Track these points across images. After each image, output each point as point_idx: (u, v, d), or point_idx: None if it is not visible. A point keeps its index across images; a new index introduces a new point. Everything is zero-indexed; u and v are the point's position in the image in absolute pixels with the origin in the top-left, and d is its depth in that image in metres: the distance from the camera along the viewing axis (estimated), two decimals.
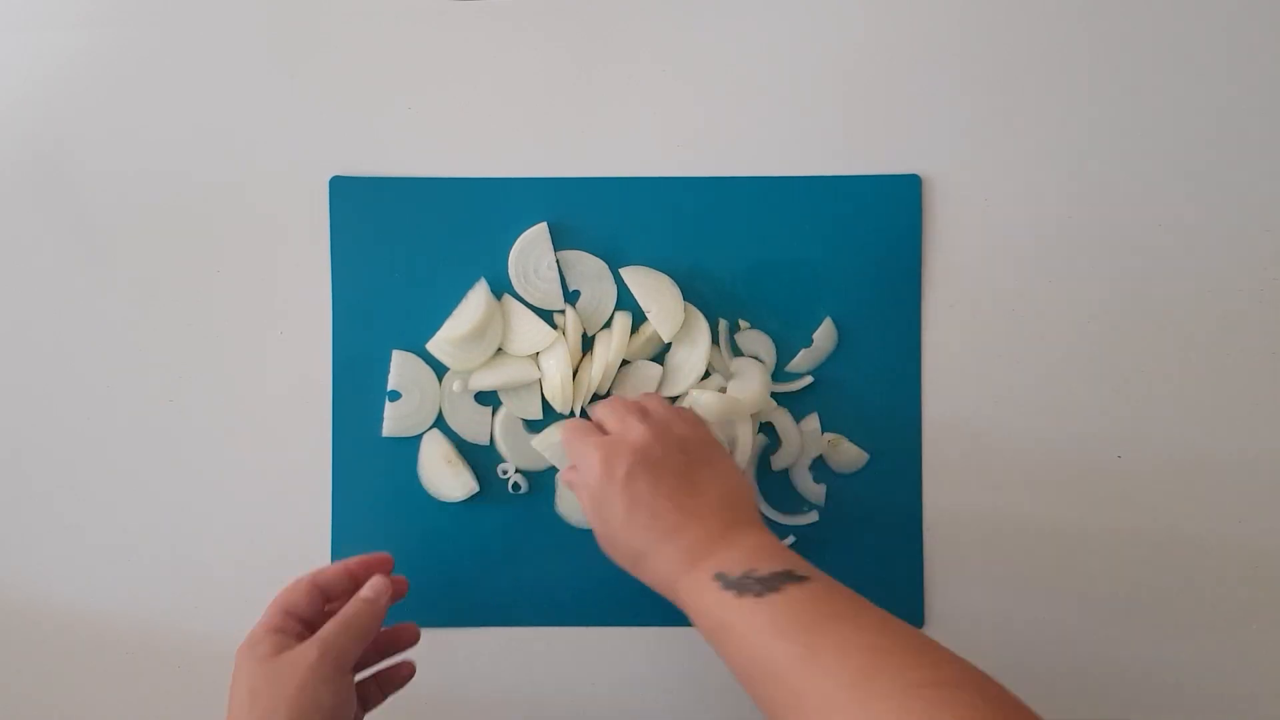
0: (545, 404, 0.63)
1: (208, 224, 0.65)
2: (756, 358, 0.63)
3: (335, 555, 0.64)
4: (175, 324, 0.65)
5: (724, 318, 0.63)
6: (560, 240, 0.63)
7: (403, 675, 0.57)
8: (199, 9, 0.65)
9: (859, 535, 0.63)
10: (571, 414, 0.63)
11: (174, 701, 0.64)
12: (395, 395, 0.63)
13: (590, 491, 0.51)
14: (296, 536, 0.64)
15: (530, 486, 0.63)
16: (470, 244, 0.64)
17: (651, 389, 0.62)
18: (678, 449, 0.52)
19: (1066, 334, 0.63)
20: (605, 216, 0.64)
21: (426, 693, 0.60)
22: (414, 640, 0.58)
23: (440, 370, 0.63)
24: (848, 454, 0.63)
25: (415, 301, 0.63)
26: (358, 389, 0.64)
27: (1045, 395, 0.63)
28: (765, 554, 0.47)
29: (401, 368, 0.63)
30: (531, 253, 0.63)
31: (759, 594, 0.45)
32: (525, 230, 0.63)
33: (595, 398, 0.63)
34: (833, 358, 0.63)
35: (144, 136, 0.65)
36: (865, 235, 0.63)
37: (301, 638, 0.52)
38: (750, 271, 0.63)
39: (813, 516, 0.63)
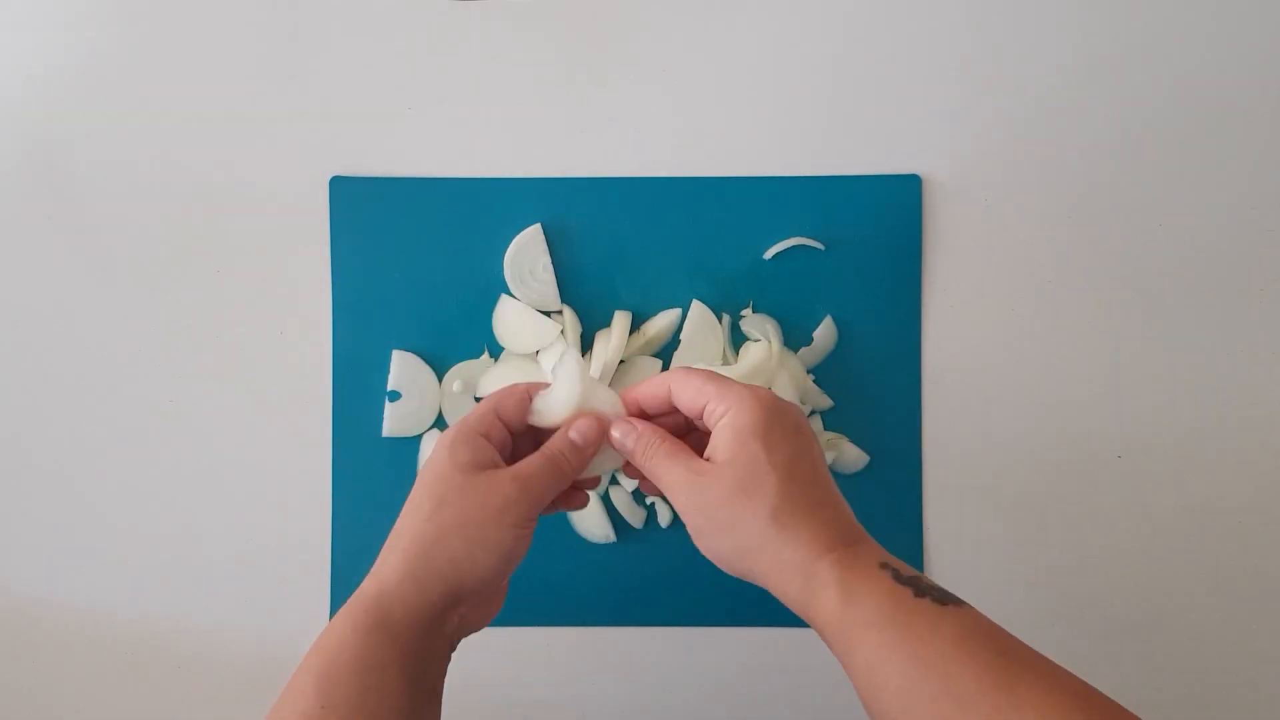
0: None
1: (208, 224, 0.65)
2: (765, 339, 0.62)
3: (335, 555, 0.64)
4: (175, 324, 0.65)
5: (726, 314, 0.63)
6: (560, 240, 0.63)
7: (579, 501, 0.52)
8: (199, 9, 0.65)
9: None
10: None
11: (174, 701, 0.64)
12: (395, 395, 0.63)
13: (749, 426, 0.44)
14: (296, 536, 0.64)
15: None
16: (470, 244, 0.64)
17: None
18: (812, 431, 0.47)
19: (1066, 334, 0.63)
20: (605, 217, 0.64)
21: None
22: (584, 503, 0.53)
23: (440, 370, 0.63)
24: (848, 454, 0.63)
25: (415, 301, 0.64)
26: (358, 389, 0.64)
27: (1045, 395, 0.63)
28: (910, 567, 0.43)
29: (401, 368, 0.63)
30: (526, 254, 0.63)
31: (939, 602, 0.41)
32: (520, 232, 0.63)
33: None
34: (833, 357, 0.63)
35: (144, 136, 0.65)
36: (865, 235, 0.63)
37: (502, 451, 0.48)
38: (750, 271, 0.63)
39: None
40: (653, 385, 0.49)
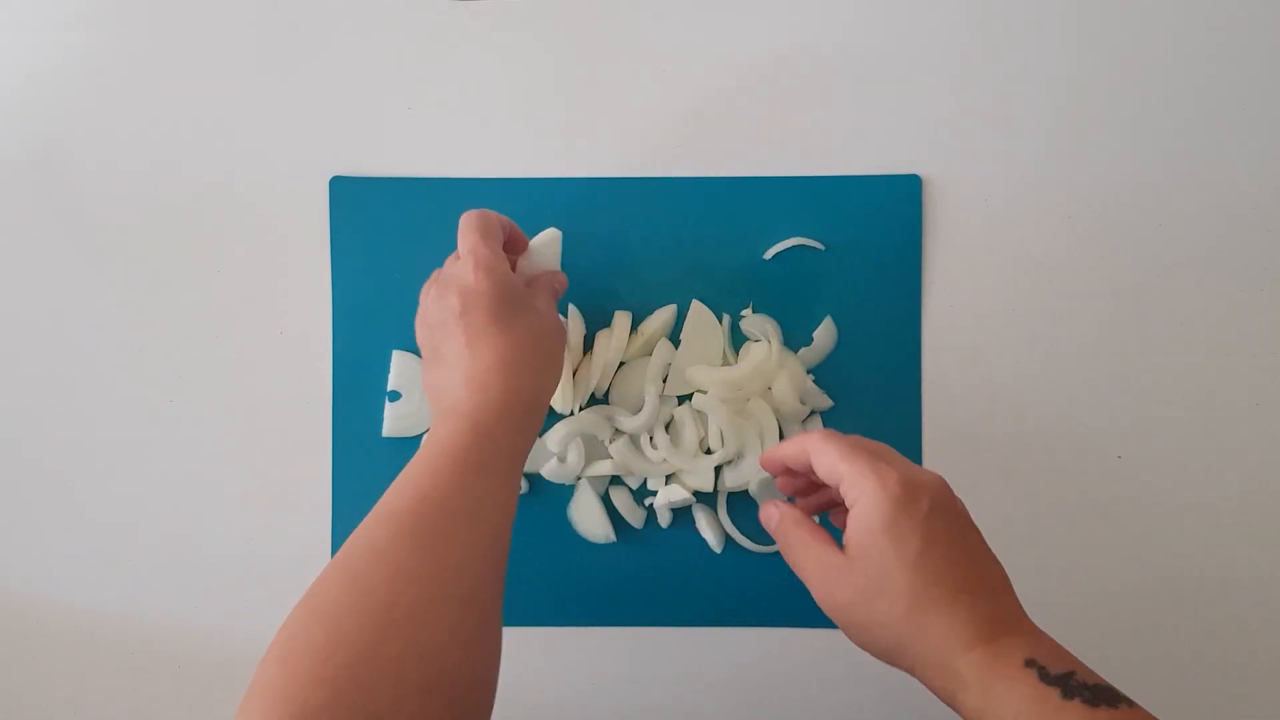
0: None
1: (208, 224, 0.65)
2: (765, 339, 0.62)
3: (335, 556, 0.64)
4: (175, 324, 0.65)
5: (727, 314, 0.63)
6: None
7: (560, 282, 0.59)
8: (198, 8, 0.65)
9: None
10: (571, 414, 0.62)
11: (174, 701, 0.64)
12: (395, 395, 0.63)
13: (877, 521, 0.43)
14: (296, 536, 0.64)
15: (530, 487, 0.63)
16: None
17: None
18: (964, 508, 0.46)
19: (1066, 334, 0.63)
20: (605, 216, 0.64)
21: None
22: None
23: None
24: None
25: (415, 301, 0.63)
26: (358, 389, 0.64)
27: (1045, 395, 0.63)
28: (1070, 658, 0.42)
29: (401, 368, 0.63)
30: (542, 257, 0.61)
31: (1089, 703, 0.39)
32: (537, 233, 0.61)
33: (593, 398, 0.63)
34: (833, 357, 0.63)
35: (144, 136, 0.65)
36: (865, 235, 0.63)
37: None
38: (750, 271, 0.63)
39: None
40: (794, 449, 0.49)
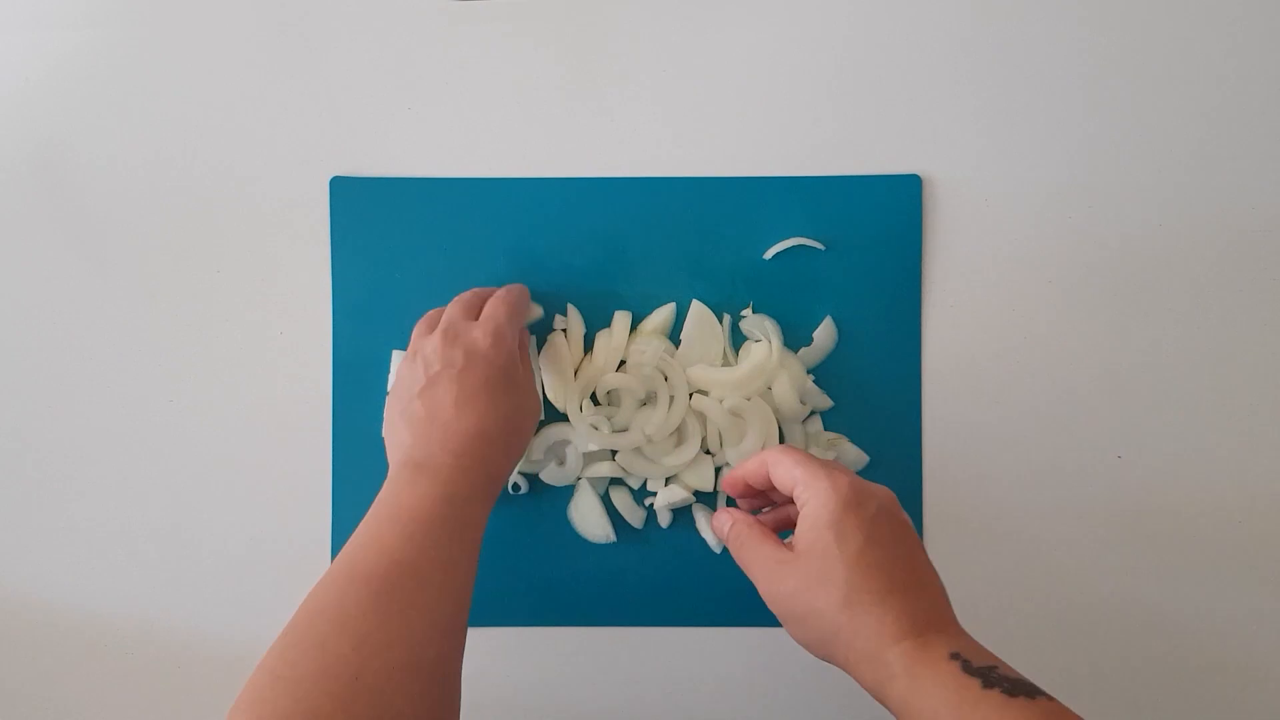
0: (547, 403, 0.63)
1: (208, 224, 0.65)
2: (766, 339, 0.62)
3: (335, 556, 0.64)
4: (175, 324, 0.65)
5: (727, 314, 0.63)
6: (560, 240, 0.63)
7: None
8: (198, 9, 0.65)
9: None
10: (577, 410, 0.62)
11: (174, 701, 0.64)
12: None
13: (825, 517, 0.46)
14: (296, 536, 0.64)
15: (529, 487, 0.63)
16: (470, 244, 0.64)
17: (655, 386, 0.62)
18: (909, 521, 0.48)
19: (1066, 334, 0.63)
20: (605, 217, 0.64)
21: None
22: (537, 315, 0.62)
23: None
24: (848, 454, 0.63)
25: (415, 301, 0.63)
26: (358, 389, 0.64)
27: (1045, 395, 0.63)
28: (994, 657, 0.43)
29: None
30: None
31: (1008, 693, 0.40)
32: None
33: (594, 398, 0.63)
34: (833, 357, 0.63)
35: (143, 136, 0.65)
36: (865, 235, 0.63)
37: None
38: (750, 271, 0.63)
39: None
40: (754, 465, 0.51)
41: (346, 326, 0.64)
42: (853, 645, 0.44)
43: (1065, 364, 0.63)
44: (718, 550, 0.63)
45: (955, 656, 0.42)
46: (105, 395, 0.65)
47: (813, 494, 0.47)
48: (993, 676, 0.41)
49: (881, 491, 0.48)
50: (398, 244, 0.64)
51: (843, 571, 0.45)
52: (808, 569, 0.46)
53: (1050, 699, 0.41)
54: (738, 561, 0.50)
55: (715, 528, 0.54)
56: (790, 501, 0.51)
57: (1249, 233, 0.63)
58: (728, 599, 0.63)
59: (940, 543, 0.63)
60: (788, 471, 0.49)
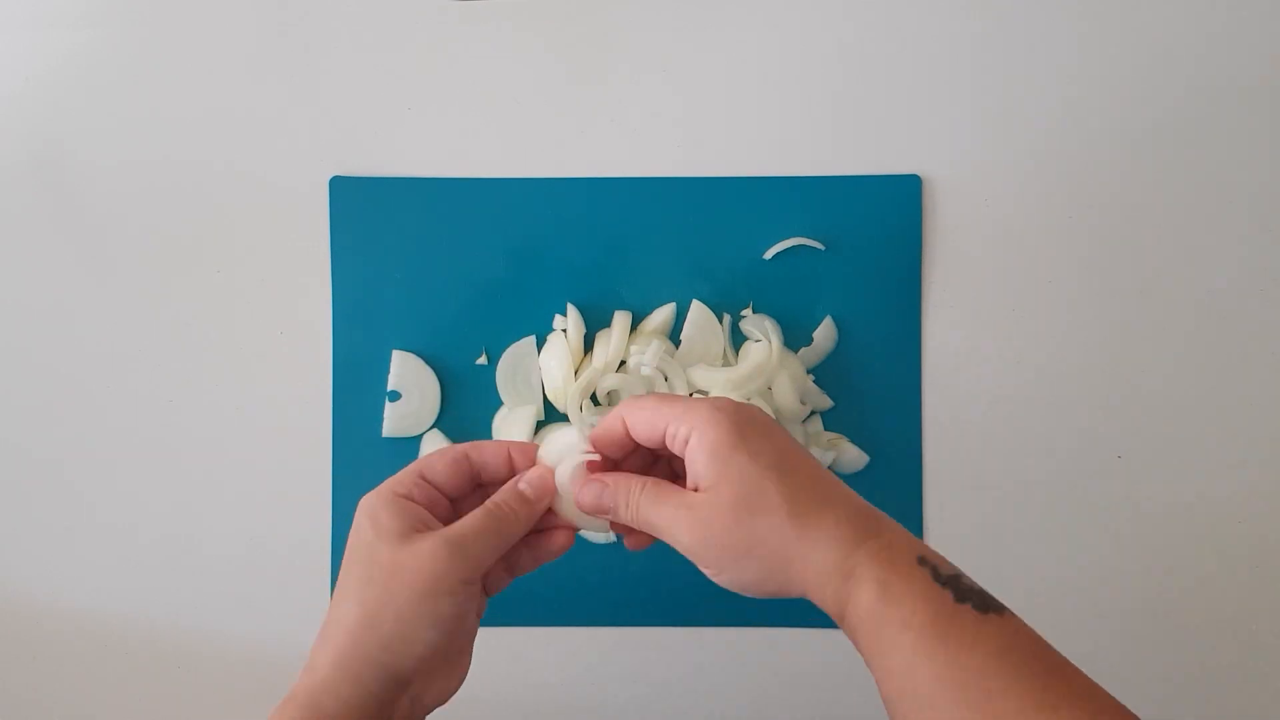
0: (547, 404, 0.63)
1: (207, 224, 0.65)
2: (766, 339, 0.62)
3: (335, 556, 0.64)
4: (175, 324, 0.65)
5: (727, 314, 0.63)
6: (560, 240, 0.63)
7: (559, 545, 0.47)
8: (199, 9, 0.65)
9: None
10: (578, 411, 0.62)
11: (174, 701, 0.64)
12: (395, 395, 0.63)
13: (724, 439, 0.40)
14: (296, 536, 0.64)
15: None
16: (470, 244, 0.64)
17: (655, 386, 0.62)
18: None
19: (1067, 334, 0.63)
20: (605, 217, 0.64)
21: None
22: (568, 545, 0.47)
23: (440, 370, 0.63)
24: (848, 454, 0.63)
25: (415, 301, 0.64)
26: (358, 389, 0.64)
27: (1045, 395, 0.63)
28: (944, 558, 0.40)
29: (401, 368, 0.63)
30: (521, 365, 0.63)
31: (979, 609, 0.38)
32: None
33: (594, 399, 0.63)
34: (833, 357, 0.63)
35: (143, 137, 0.65)
36: (865, 235, 0.63)
37: (435, 511, 0.44)
38: (750, 271, 0.63)
39: None
40: (606, 425, 0.44)
41: (346, 326, 0.64)
42: (809, 560, 0.39)
43: (1065, 364, 0.63)
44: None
45: (923, 562, 0.39)
46: (105, 395, 0.65)
47: (694, 424, 0.41)
48: (962, 588, 0.38)
49: (757, 407, 0.43)
50: (398, 244, 0.64)
51: (774, 487, 0.40)
52: (732, 498, 0.40)
53: (1014, 614, 0.39)
54: (636, 525, 0.43)
55: (589, 500, 0.44)
56: (656, 461, 0.46)
57: (1249, 233, 0.63)
58: (727, 599, 0.63)
59: (940, 542, 0.63)
60: (651, 414, 0.42)
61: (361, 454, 0.64)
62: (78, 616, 0.65)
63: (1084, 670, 0.41)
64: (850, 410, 0.63)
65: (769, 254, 0.63)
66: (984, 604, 0.38)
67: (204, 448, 0.64)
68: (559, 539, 0.47)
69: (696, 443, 0.41)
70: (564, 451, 0.45)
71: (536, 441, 0.47)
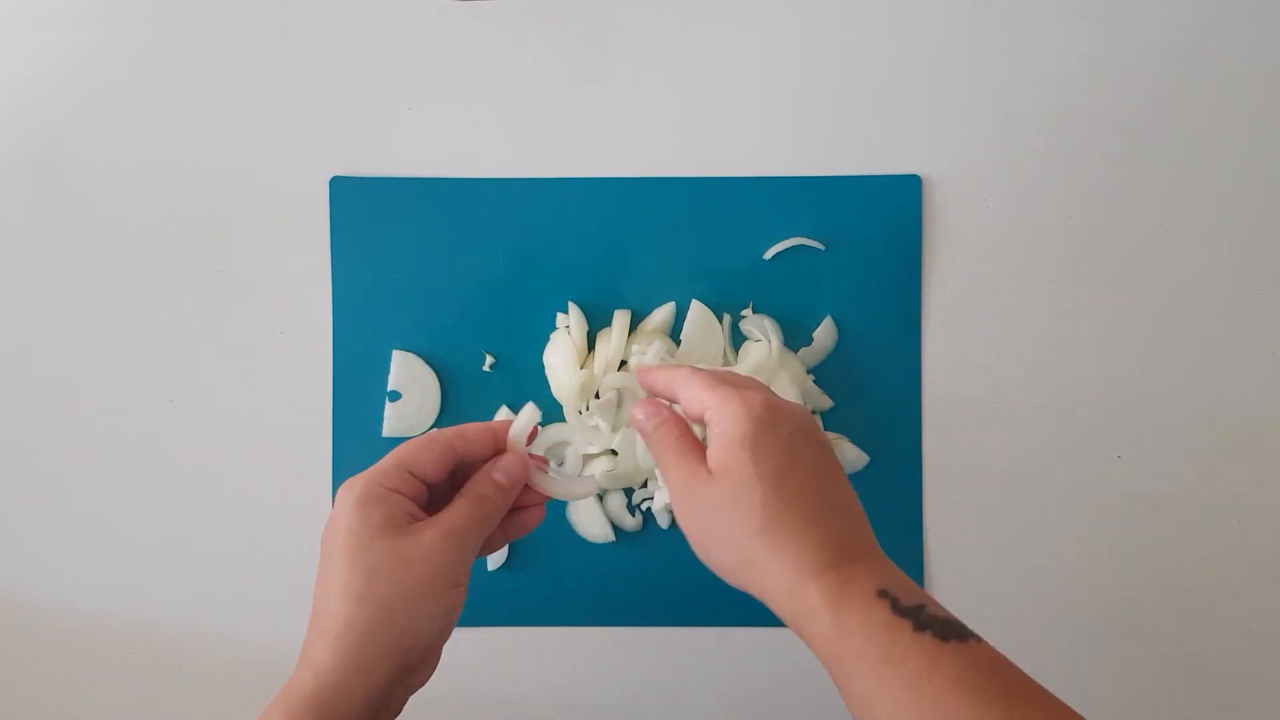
0: (550, 402, 0.63)
1: (207, 224, 0.65)
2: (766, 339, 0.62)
3: None
4: (175, 324, 0.65)
5: (727, 314, 0.63)
6: (560, 240, 0.63)
7: (530, 522, 0.49)
8: (198, 9, 0.65)
9: None
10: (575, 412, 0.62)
11: (174, 701, 0.64)
12: (395, 395, 0.63)
13: (738, 436, 0.42)
14: (296, 537, 0.64)
15: None
16: (470, 244, 0.64)
17: None
18: (828, 441, 0.45)
19: (1067, 334, 0.63)
20: (605, 217, 0.64)
21: (422, 692, 0.60)
22: (538, 521, 0.50)
23: (440, 370, 0.63)
24: (848, 454, 0.63)
25: (415, 301, 0.64)
26: (358, 389, 0.64)
27: (1045, 395, 0.63)
28: (921, 592, 0.41)
29: (401, 368, 0.63)
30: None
31: (940, 637, 0.38)
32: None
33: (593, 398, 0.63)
34: (833, 357, 0.63)
35: (143, 137, 0.65)
36: (865, 235, 0.63)
37: (417, 501, 0.45)
38: (750, 271, 0.63)
39: None
40: (661, 383, 0.47)
41: (346, 326, 0.64)
42: (768, 574, 0.41)
43: (1065, 364, 0.63)
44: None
45: (883, 594, 0.39)
46: (105, 395, 0.65)
47: (725, 415, 0.43)
48: (923, 617, 0.39)
49: (798, 410, 0.45)
50: (398, 244, 0.64)
51: (760, 494, 0.41)
52: (723, 490, 0.42)
53: (980, 640, 0.39)
54: (654, 458, 0.46)
55: (637, 415, 0.47)
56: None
57: (1249, 232, 0.63)
58: (727, 599, 0.63)
59: (940, 542, 0.63)
60: (697, 395, 0.45)
61: (361, 454, 0.63)
62: (78, 616, 0.65)
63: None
64: (850, 410, 0.63)
65: (769, 254, 0.63)
66: (945, 632, 0.39)
67: (204, 448, 0.64)
68: (530, 516, 0.49)
69: (718, 432, 0.43)
70: (527, 426, 0.49)
71: (509, 419, 0.50)
